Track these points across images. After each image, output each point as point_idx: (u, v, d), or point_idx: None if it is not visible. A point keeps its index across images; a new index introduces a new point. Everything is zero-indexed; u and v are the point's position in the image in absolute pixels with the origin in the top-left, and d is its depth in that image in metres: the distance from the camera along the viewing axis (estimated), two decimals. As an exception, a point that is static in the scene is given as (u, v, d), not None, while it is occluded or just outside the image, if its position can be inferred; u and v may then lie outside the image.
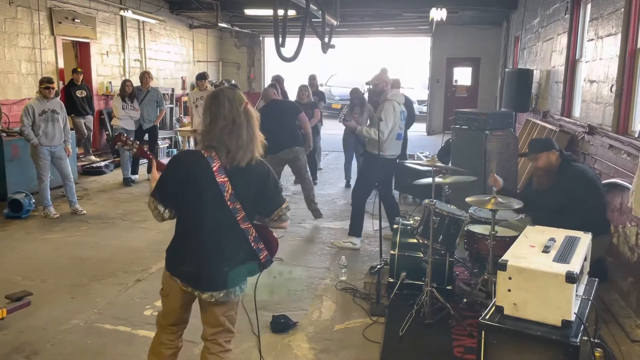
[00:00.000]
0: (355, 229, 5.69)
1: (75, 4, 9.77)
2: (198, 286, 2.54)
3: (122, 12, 10.67)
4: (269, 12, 10.00)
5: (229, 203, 2.44)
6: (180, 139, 10.97)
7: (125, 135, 2.98)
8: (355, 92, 7.99)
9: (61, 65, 9.50)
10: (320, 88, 11.60)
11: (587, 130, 5.48)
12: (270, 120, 6.50)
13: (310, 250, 5.65)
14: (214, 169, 2.42)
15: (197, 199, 2.46)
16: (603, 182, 4.70)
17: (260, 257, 2.58)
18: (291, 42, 6.16)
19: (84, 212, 6.84)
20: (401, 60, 22.25)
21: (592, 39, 5.70)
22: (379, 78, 5.72)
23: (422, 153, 8.76)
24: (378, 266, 4.75)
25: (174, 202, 2.48)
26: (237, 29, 15.01)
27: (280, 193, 2.60)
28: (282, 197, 2.60)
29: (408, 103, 8.47)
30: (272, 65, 17.26)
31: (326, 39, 7.63)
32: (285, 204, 2.59)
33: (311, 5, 6.33)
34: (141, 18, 11.40)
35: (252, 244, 2.54)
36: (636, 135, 4.35)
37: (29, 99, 7.83)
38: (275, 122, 6.35)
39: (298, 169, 6.70)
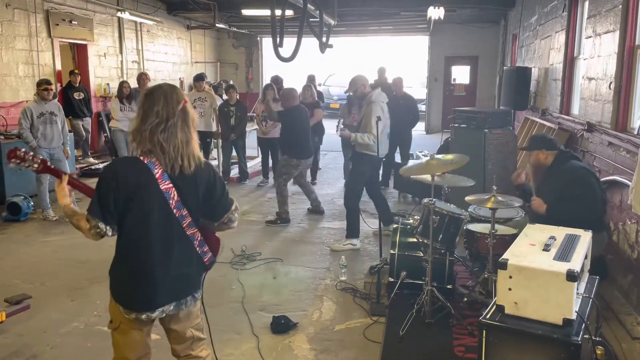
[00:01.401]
0: (353, 231, 5.67)
1: (72, 6, 9.76)
2: (145, 307, 2.29)
3: (119, 14, 10.66)
4: (266, 12, 9.99)
5: (175, 211, 2.24)
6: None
7: (22, 150, 2.43)
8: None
9: (59, 67, 9.49)
10: (318, 88, 11.61)
11: (586, 128, 5.47)
12: (300, 125, 6.65)
13: (309, 251, 5.64)
14: (157, 175, 2.20)
15: (140, 210, 2.21)
16: (602, 179, 4.70)
17: (205, 260, 2.43)
18: (289, 42, 6.15)
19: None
20: (400, 59, 22.28)
21: (590, 36, 5.69)
22: (356, 82, 5.50)
23: (421, 152, 8.75)
24: (378, 266, 4.74)
25: (115, 218, 2.21)
26: (235, 29, 15.01)
27: (228, 195, 2.45)
28: (230, 199, 2.46)
29: (411, 102, 8.52)
30: (270, 66, 17.27)
31: (324, 39, 7.63)
32: (233, 205, 2.45)
33: (309, 5, 6.32)
34: (138, 19, 11.39)
35: (197, 249, 2.38)
36: (635, 132, 4.34)
37: (27, 101, 7.83)
38: (305, 127, 6.69)
39: (305, 175, 7.05)
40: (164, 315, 2.34)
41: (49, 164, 2.51)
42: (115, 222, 2.22)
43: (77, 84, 9.62)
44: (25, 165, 2.42)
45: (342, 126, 5.78)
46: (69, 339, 3.74)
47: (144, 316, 2.30)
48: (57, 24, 9.33)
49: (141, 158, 2.22)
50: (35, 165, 2.42)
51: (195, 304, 2.46)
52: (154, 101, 2.22)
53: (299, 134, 6.53)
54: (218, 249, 2.52)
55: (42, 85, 6.46)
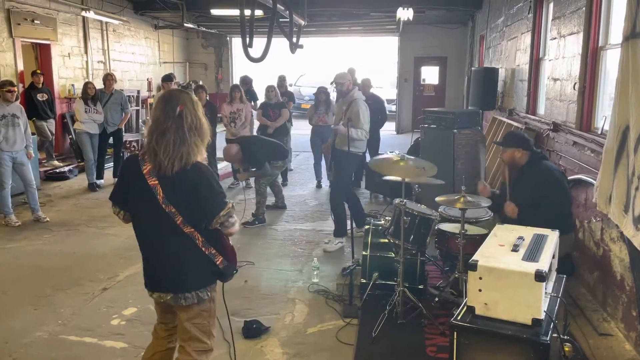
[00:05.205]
0: (342, 230, 5.66)
1: (35, 5, 9.47)
2: (148, 285, 2.59)
3: (83, 13, 10.39)
4: (235, 12, 9.89)
5: (163, 206, 2.38)
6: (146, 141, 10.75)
7: None
8: (321, 91, 8.07)
9: (21, 67, 9.20)
10: (289, 88, 11.55)
11: (551, 128, 5.57)
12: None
13: (281, 253, 5.59)
14: (145, 171, 2.40)
15: (135, 201, 2.49)
16: (568, 178, 4.79)
17: (217, 263, 2.47)
18: (259, 43, 6.09)
19: (47, 219, 6.62)
20: (370, 59, 22.40)
21: (554, 38, 5.80)
22: (345, 77, 5.68)
23: (392, 152, 8.78)
24: (350, 267, 4.73)
25: (124, 204, 2.55)
26: (204, 29, 14.81)
27: (217, 199, 2.41)
28: (220, 203, 2.41)
29: (379, 102, 8.54)
30: (240, 66, 17.12)
31: (294, 39, 7.58)
32: (224, 210, 2.40)
33: (278, 5, 6.27)
34: (104, 19, 11.13)
35: (203, 249, 2.43)
36: (599, 132, 4.44)
37: (-13, 103, 7.54)
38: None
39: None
40: (162, 300, 2.54)
41: None
42: (124, 208, 2.55)
43: (40, 85, 9.32)
44: None
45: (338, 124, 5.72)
46: (32, 350, 3.61)
47: (148, 292, 2.59)
48: (19, 24, 9.04)
49: (140, 155, 2.47)
50: None
51: (201, 303, 2.53)
52: (155, 106, 2.49)
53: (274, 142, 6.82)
54: (233, 256, 2.56)
55: (6, 87, 6.27)
